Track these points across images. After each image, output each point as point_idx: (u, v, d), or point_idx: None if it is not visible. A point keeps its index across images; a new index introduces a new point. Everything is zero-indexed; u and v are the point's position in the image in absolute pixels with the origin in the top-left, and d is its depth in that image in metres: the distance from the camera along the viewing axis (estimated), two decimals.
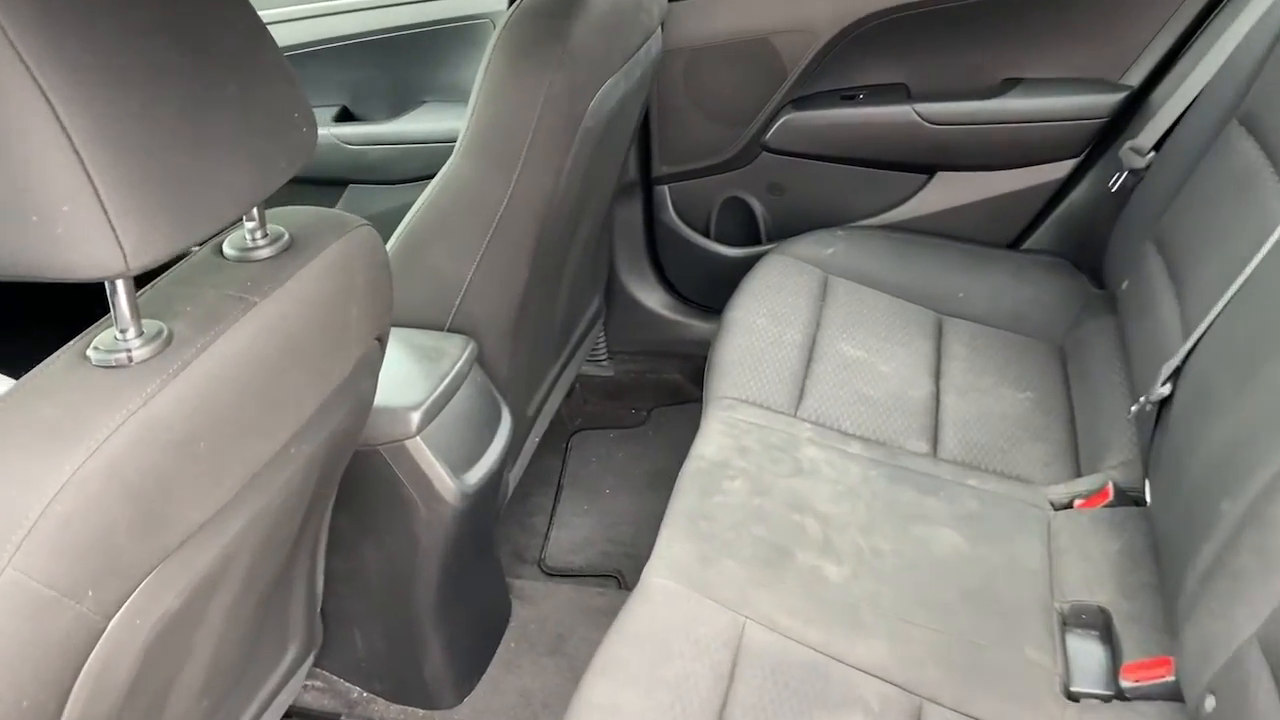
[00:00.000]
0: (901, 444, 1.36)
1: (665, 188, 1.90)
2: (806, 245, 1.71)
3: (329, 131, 1.97)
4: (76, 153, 0.57)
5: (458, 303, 1.30)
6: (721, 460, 1.26)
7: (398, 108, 2.03)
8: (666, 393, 2.07)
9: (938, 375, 1.49)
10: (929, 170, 1.77)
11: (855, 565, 1.14)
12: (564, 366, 1.73)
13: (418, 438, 1.18)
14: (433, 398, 1.19)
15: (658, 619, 1.05)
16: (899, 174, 1.78)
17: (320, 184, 2.02)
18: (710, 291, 1.96)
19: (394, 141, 1.96)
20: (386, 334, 0.95)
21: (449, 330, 1.32)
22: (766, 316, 1.53)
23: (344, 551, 1.26)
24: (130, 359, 0.65)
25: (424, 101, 2.02)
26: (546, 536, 1.76)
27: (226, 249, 0.77)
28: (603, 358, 2.08)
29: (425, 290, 1.30)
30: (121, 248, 0.59)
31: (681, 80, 1.76)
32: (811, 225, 1.82)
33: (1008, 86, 1.69)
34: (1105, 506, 1.22)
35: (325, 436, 0.85)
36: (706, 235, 1.93)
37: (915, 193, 1.79)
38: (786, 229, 1.86)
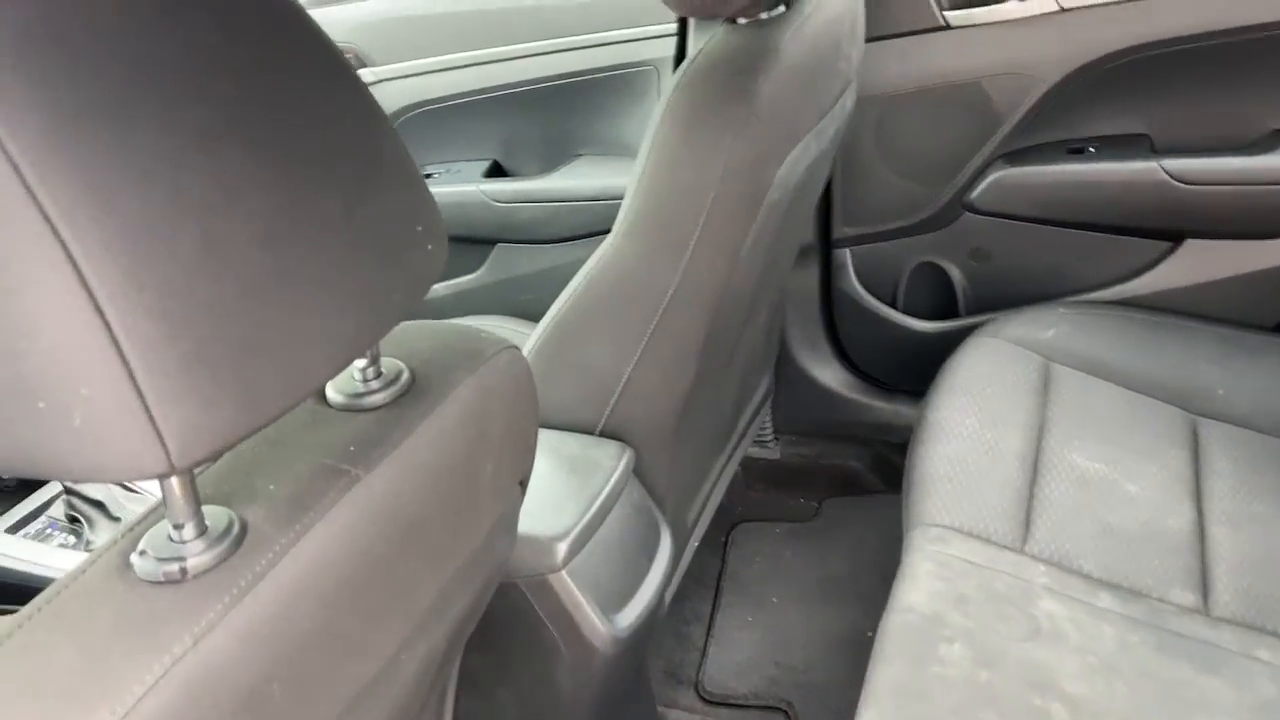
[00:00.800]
0: (1163, 594, 1.07)
1: (846, 251, 1.67)
2: (1021, 324, 1.44)
3: (478, 189, 1.83)
4: (100, 313, 0.39)
5: (613, 403, 1.11)
6: (934, 614, 1.01)
7: (551, 161, 1.87)
8: (841, 482, 1.82)
9: (1198, 497, 1.20)
10: (1175, 237, 1.47)
11: None
12: (729, 458, 1.51)
13: (563, 572, 0.98)
14: (582, 524, 0.99)
15: None
16: (1135, 240, 1.49)
17: (467, 243, 1.89)
18: (896, 369, 1.72)
19: (545, 199, 1.80)
20: (529, 474, 0.76)
21: (601, 434, 1.13)
22: (977, 418, 1.27)
23: (476, 691, 1.08)
24: (184, 571, 0.47)
25: (579, 155, 1.86)
26: (704, 653, 1.53)
27: (330, 393, 0.59)
28: (769, 438, 1.85)
29: (577, 388, 1.12)
30: (164, 444, 0.41)
31: (872, 130, 1.52)
32: (1022, 298, 1.56)
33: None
34: None
35: (447, 626, 0.66)
36: (893, 305, 1.69)
37: (1157, 263, 1.49)
38: (990, 301, 1.61)
